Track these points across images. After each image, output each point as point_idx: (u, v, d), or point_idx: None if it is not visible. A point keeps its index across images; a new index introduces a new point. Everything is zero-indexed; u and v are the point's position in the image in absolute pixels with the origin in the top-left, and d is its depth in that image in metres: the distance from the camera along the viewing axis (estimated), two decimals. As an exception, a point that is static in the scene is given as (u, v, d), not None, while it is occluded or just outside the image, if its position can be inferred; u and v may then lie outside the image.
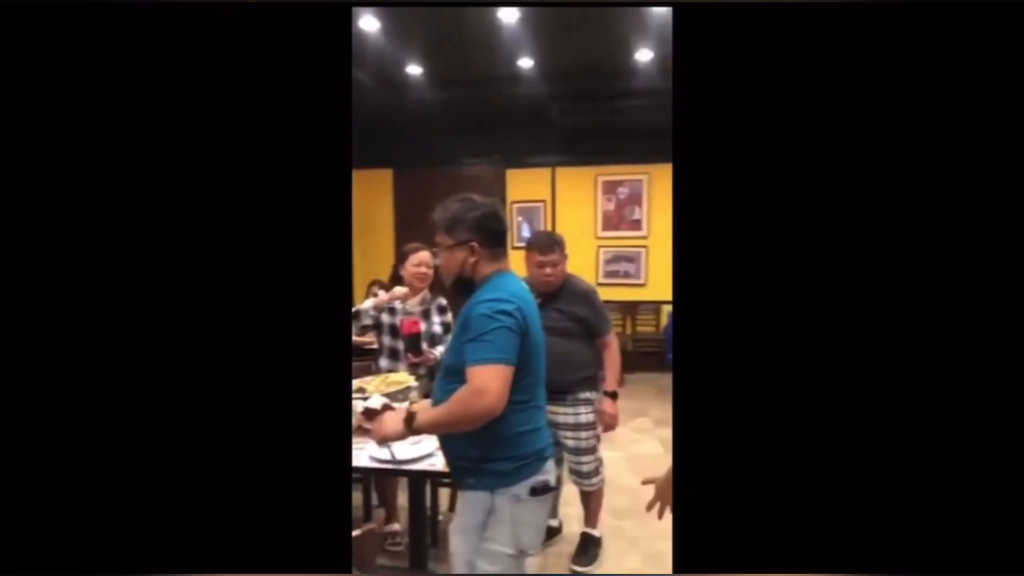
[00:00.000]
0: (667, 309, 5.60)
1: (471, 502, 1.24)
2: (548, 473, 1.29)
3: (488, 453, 1.21)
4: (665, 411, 4.26)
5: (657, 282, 5.61)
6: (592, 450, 2.17)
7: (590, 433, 2.15)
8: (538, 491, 1.25)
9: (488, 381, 1.12)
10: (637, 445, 3.57)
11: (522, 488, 1.22)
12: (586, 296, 2.14)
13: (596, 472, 2.19)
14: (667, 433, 3.77)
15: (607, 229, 5.58)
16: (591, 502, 2.26)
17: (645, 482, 1.40)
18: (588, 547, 2.24)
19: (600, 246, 5.58)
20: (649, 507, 1.29)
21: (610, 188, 5.59)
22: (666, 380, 5.15)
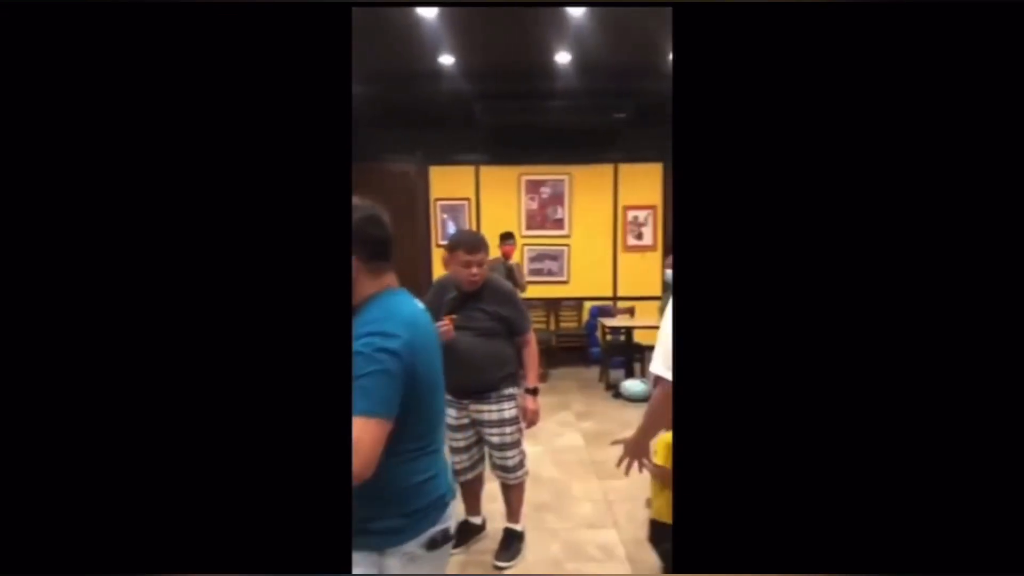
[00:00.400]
0: (588, 305, 5.77)
1: (355, 566, 1.04)
2: (448, 521, 1.12)
3: (375, 510, 1.03)
4: (586, 404, 4.38)
5: (579, 279, 5.76)
6: (516, 444, 2.20)
7: (514, 428, 2.18)
8: (437, 543, 1.09)
9: (357, 437, 0.94)
10: (559, 439, 3.65)
11: (417, 544, 1.06)
12: (508, 296, 2.17)
13: (520, 465, 2.23)
14: (588, 425, 3.89)
15: (531, 228, 5.67)
16: (513, 496, 2.29)
17: (615, 442, 1.57)
18: (511, 543, 2.27)
19: (524, 244, 5.65)
20: (619, 463, 1.54)
21: (533, 187, 5.68)
22: (588, 374, 5.30)
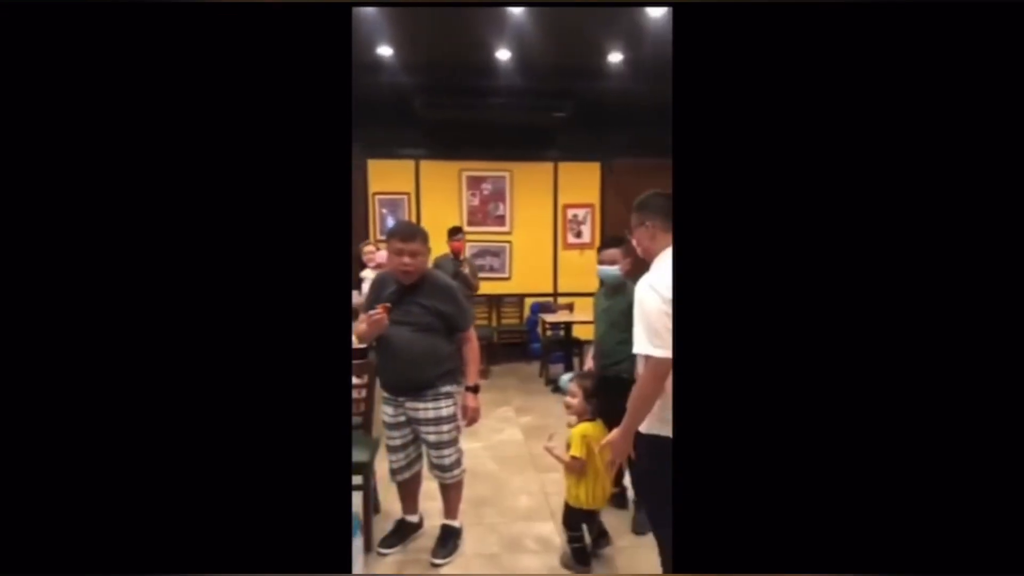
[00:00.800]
0: (530, 301, 5.82)
1: None
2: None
3: None
4: (526, 400, 4.42)
5: (520, 276, 5.80)
6: (453, 442, 2.19)
7: (451, 426, 2.17)
8: None
9: None
10: (499, 434, 3.67)
11: None
12: (448, 291, 2.15)
13: (457, 464, 2.22)
14: (528, 420, 3.93)
15: (472, 224, 5.66)
16: (451, 494, 2.28)
17: (604, 444, 1.57)
18: (448, 539, 2.27)
19: (467, 240, 5.63)
20: (609, 467, 1.59)
21: (474, 183, 5.66)
22: (529, 370, 5.35)
